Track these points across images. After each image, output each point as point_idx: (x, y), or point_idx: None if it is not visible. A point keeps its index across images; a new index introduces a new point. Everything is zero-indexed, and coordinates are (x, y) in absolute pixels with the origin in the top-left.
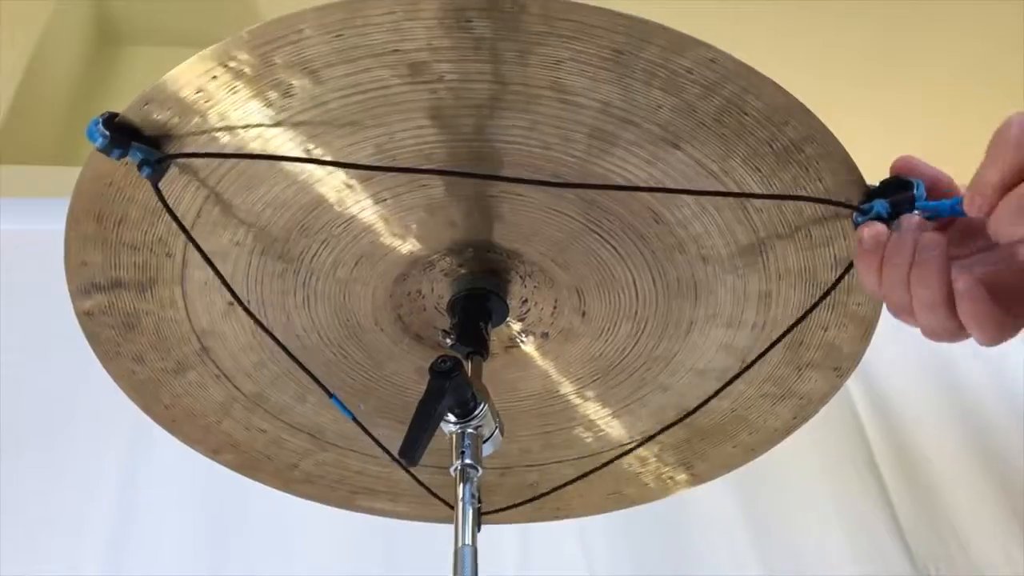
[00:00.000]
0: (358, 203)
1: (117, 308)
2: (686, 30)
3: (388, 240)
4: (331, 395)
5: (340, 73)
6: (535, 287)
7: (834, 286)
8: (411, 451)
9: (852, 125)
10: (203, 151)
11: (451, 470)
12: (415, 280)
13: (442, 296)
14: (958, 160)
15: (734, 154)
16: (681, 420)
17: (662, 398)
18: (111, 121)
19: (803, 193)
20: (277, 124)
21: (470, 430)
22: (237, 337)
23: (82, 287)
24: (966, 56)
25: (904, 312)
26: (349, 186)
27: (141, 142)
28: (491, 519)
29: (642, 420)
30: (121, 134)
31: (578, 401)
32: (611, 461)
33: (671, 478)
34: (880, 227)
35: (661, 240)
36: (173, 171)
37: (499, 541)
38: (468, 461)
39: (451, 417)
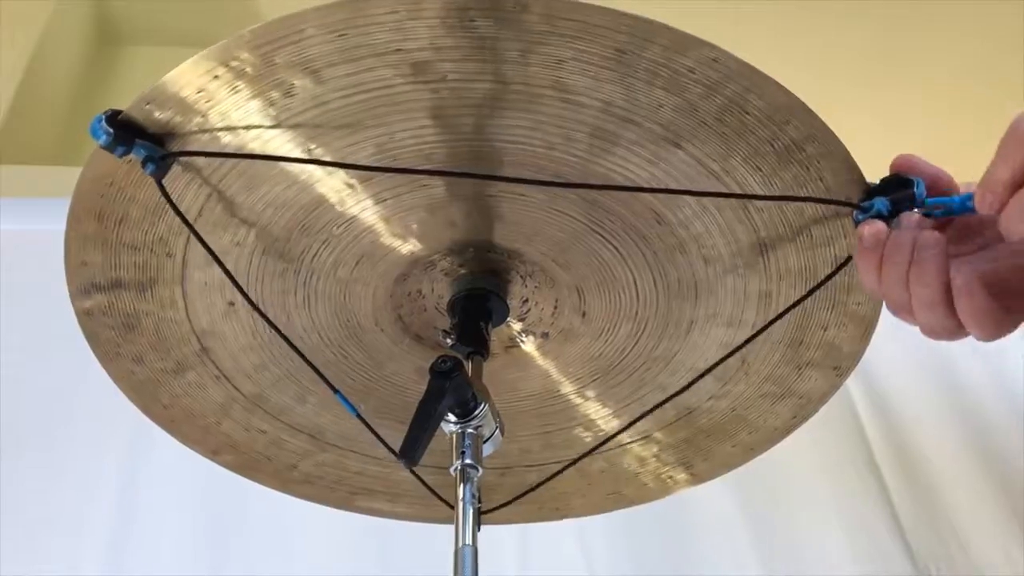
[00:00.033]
0: (359, 203)
1: (117, 308)
2: (686, 30)
3: (389, 240)
4: (336, 391)
5: (342, 73)
6: (535, 287)
7: (827, 279)
8: (411, 451)
9: (852, 124)
10: (205, 150)
11: (451, 470)
12: (415, 280)
13: (442, 296)
14: (958, 159)
15: (735, 153)
16: (667, 401)
17: (661, 398)
18: (114, 118)
19: (804, 192)
20: (278, 124)
21: (470, 430)
22: (237, 338)
23: (82, 287)
24: (966, 56)
25: (903, 310)
26: (350, 186)
27: (144, 139)
28: (488, 518)
29: (643, 420)
30: (125, 131)
31: (578, 401)
32: (597, 447)
33: (670, 478)
34: (880, 225)
35: (662, 240)
36: (175, 170)
37: (499, 541)
38: (468, 461)
39: (451, 417)
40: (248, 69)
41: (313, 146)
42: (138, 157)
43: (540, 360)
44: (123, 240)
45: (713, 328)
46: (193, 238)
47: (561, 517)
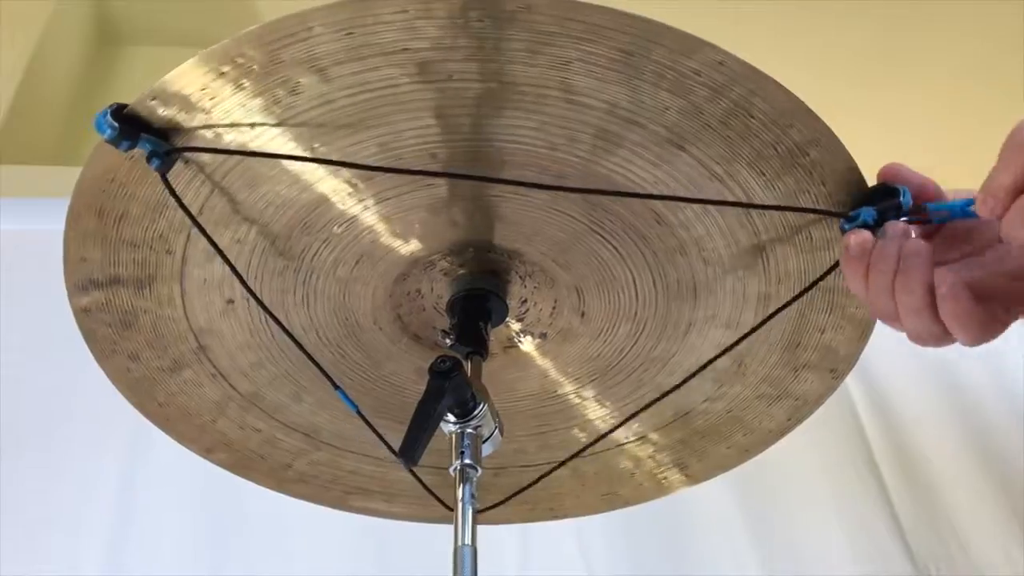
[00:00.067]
0: (361, 202)
1: (115, 305)
2: (685, 30)
3: (389, 239)
4: (337, 387)
5: (348, 71)
6: (535, 287)
7: (814, 284)
8: (411, 451)
9: (852, 125)
10: (210, 147)
11: (451, 470)
12: (415, 280)
13: (441, 296)
14: (958, 159)
15: (739, 157)
16: (661, 398)
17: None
18: (120, 112)
19: (805, 196)
20: (283, 122)
21: (469, 430)
22: (235, 336)
23: (80, 283)
24: (966, 56)
25: (889, 317)
26: (352, 185)
27: (150, 134)
28: (481, 518)
29: (639, 421)
30: (130, 126)
31: (576, 401)
32: (589, 445)
33: (665, 478)
34: (865, 234)
35: (663, 241)
36: (178, 166)
37: (499, 541)
38: (467, 461)
39: (451, 417)
40: (254, 66)
41: (317, 144)
42: (143, 151)
43: (538, 360)
44: (123, 237)
45: (711, 330)
46: (193, 236)
47: (555, 517)
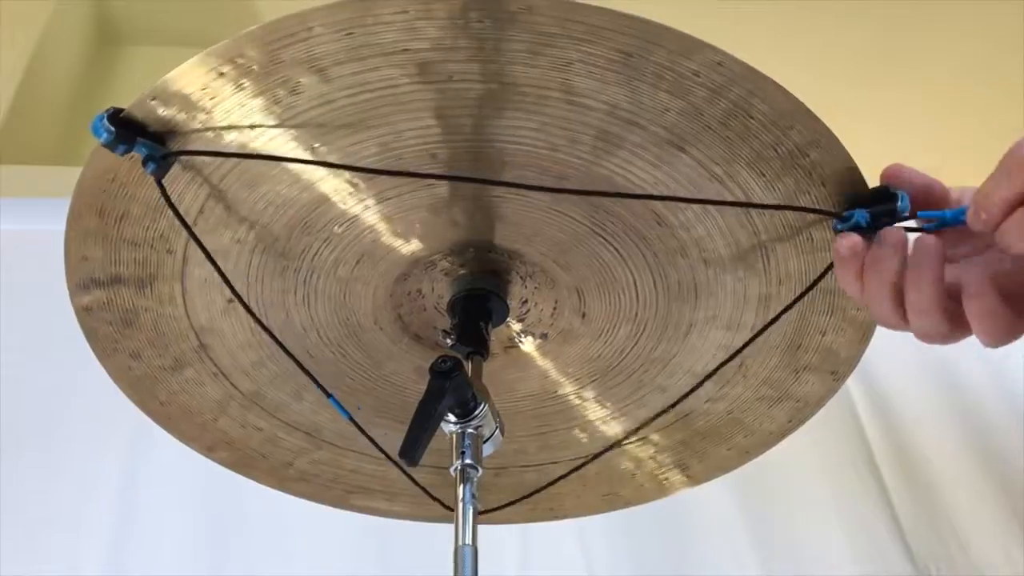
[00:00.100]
0: (362, 201)
1: (116, 304)
2: (685, 30)
3: (390, 239)
4: (329, 395)
5: (348, 71)
6: (535, 288)
7: (811, 287)
8: (411, 451)
9: (852, 125)
10: (208, 148)
11: (451, 470)
12: (416, 280)
13: (442, 296)
14: (958, 159)
15: (739, 158)
16: (670, 408)
17: (660, 399)
18: (116, 116)
19: (805, 198)
20: (283, 122)
21: (470, 430)
22: (236, 335)
23: (81, 282)
24: (966, 56)
25: (886, 321)
26: (353, 184)
27: (146, 138)
28: (483, 519)
29: (639, 422)
30: (126, 130)
31: (576, 402)
32: (602, 453)
33: (666, 479)
34: (855, 238)
35: (663, 242)
36: (176, 167)
37: (499, 541)
38: (468, 461)
39: (451, 417)
40: (254, 66)
41: (317, 144)
42: (139, 155)
43: (539, 361)
44: (124, 236)
45: (712, 331)
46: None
47: (555, 518)
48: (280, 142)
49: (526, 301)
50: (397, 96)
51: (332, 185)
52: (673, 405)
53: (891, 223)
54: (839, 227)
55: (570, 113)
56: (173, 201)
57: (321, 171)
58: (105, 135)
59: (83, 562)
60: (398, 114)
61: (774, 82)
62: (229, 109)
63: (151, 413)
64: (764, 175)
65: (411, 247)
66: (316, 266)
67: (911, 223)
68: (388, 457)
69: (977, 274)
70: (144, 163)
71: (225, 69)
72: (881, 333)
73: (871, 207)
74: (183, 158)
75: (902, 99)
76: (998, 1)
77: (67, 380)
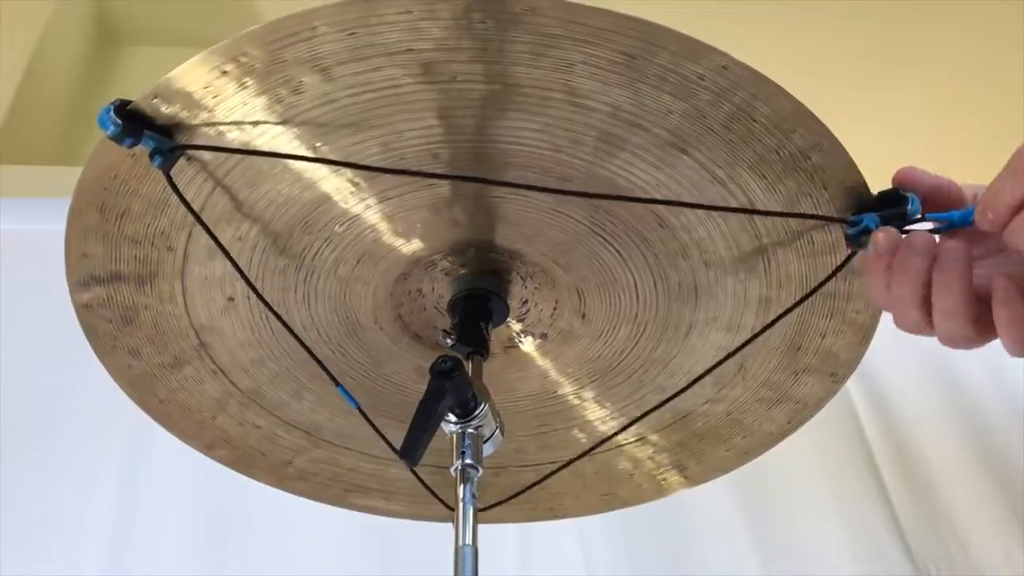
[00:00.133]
0: (363, 201)
1: (116, 301)
2: (685, 31)
3: (391, 238)
4: (338, 384)
5: (351, 71)
6: (536, 288)
7: (821, 284)
8: (412, 451)
9: (852, 126)
10: (212, 144)
11: (451, 470)
12: (416, 279)
13: (442, 296)
14: (958, 159)
15: (741, 161)
16: (664, 403)
17: (660, 400)
18: (123, 109)
19: (806, 201)
20: (285, 121)
21: (470, 430)
22: (235, 333)
23: (82, 280)
24: (966, 57)
25: (911, 326)
26: (354, 184)
27: (153, 131)
28: (480, 517)
29: (638, 422)
30: (133, 122)
31: (576, 402)
32: (593, 448)
33: (664, 480)
34: (895, 233)
35: (664, 244)
36: (180, 164)
37: (499, 541)
38: (468, 461)
39: (452, 417)
40: (257, 65)
41: (319, 144)
42: (146, 149)
43: (539, 361)
44: (124, 233)
45: (712, 332)
46: (195, 233)
47: (555, 517)
48: (282, 141)
49: (526, 301)
50: (400, 96)
51: (333, 184)
52: (665, 402)
53: (900, 226)
54: (850, 231)
55: (572, 114)
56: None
57: (322, 170)
58: (112, 128)
59: (83, 562)
60: (400, 114)
61: (778, 86)
62: (231, 107)
63: (150, 411)
64: (766, 177)
65: (412, 247)
66: (317, 265)
67: (919, 225)
68: (394, 449)
69: (1003, 280)
70: (151, 156)
71: (228, 67)
72: (882, 332)
73: (880, 210)
74: (187, 154)
75: (902, 100)
76: (998, 1)
77: (67, 380)
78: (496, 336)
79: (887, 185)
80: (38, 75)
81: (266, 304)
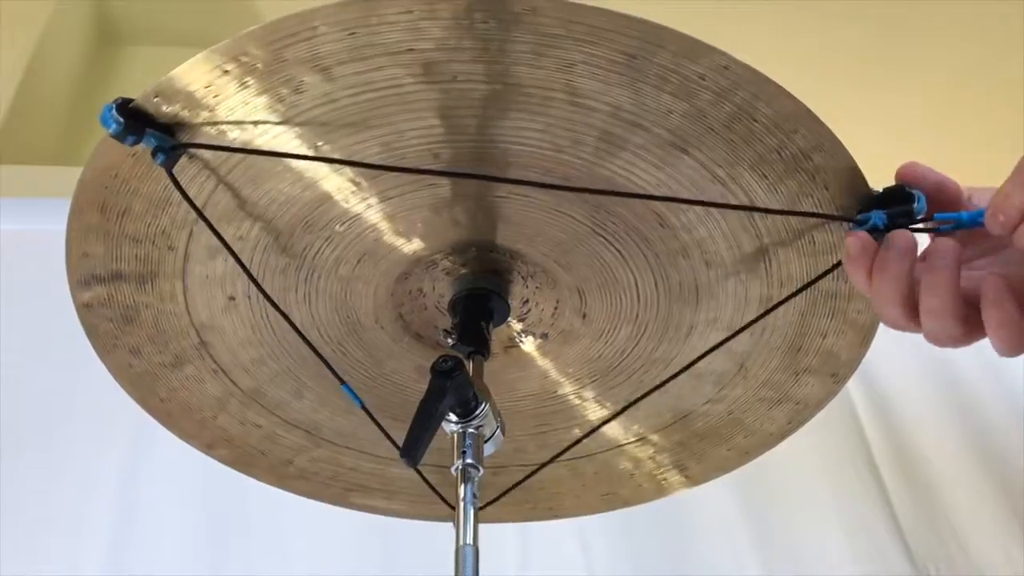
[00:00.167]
0: (364, 200)
1: (116, 300)
2: (685, 30)
3: (392, 238)
4: (343, 382)
5: (352, 71)
6: (537, 288)
7: (816, 280)
8: (412, 450)
9: (852, 127)
10: (215, 143)
11: (452, 469)
12: (417, 279)
13: (443, 295)
14: (958, 159)
15: (742, 161)
16: (650, 392)
17: (659, 400)
18: (125, 107)
19: (807, 201)
20: (286, 120)
21: (471, 430)
22: (236, 332)
23: (82, 279)
24: (966, 57)
25: (895, 323)
26: (355, 183)
27: (155, 129)
28: (479, 517)
29: (639, 422)
30: (135, 120)
31: (576, 402)
32: (582, 439)
33: (665, 480)
34: (864, 236)
35: (665, 244)
36: (181, 162)
37: (499, 541)
38: (469, 461)
39: (452, 417)
40: (258, 65)
41: (321, 143)
42: (148, 147)
43: (539, 360)
44: (125, 232)
45: (712, 332)
46: (196, 232)
47: (555, 517)
48: (283, 140)
49: (527, 301)
50: (401, 96)
51: (334, 183)
52: (654, 389)
53: (908, 224)
54: (857, 231)
55: (573, 114)
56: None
57: (324, 169)
58: (114, 126)
59: (83, 562)
60: (401, 114)
61: (779, 86)
62: (232, 107)
63: (151, 410)
64: (767, 177)
65: (413, 246)
66: (318, 264)
67: (926, 224)
68: (397, 447)
69: (994, 281)
70: (153, 154)
71: (229, 67)
72: (881, 334)
73: (888, 208)
74: (189, 152)
75: (902, 101)
76: (998, 2)
77: (67, 380)
78: (497, 336)
79: (887, 186)
80: (38, 75)
81: (270, 301)
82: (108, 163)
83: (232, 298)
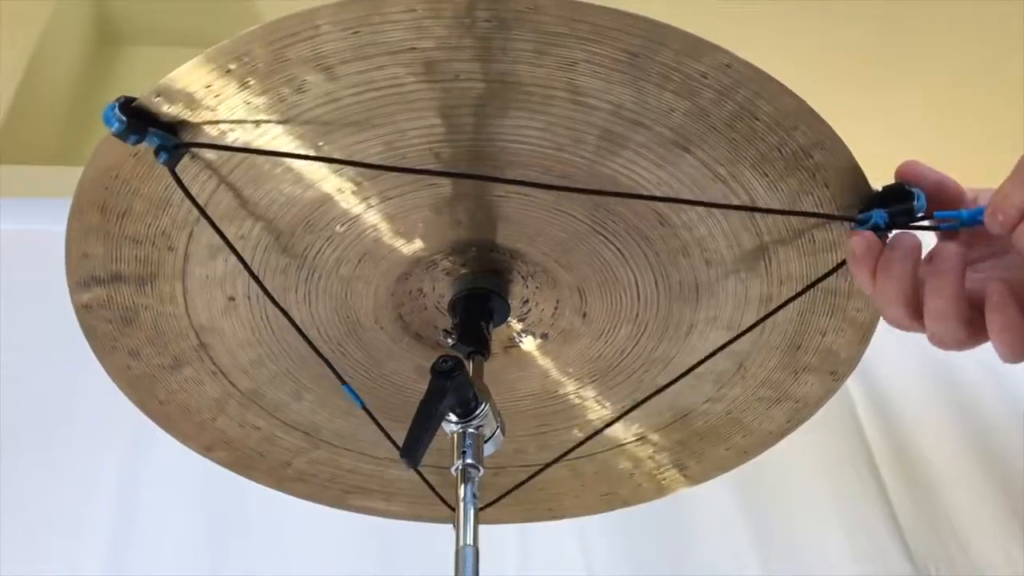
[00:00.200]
0: (364, 200)
1: (116, 302)
2: (687, 29)
3: (392, 238)
4: (344, 383)
5: (354, 70)
6: (537, 287)
7: (817, 282)
8: (412, 451)
9: (852, 126)
10: (217, 143)
11: (452, 470)
12: (417, 279)
13: (443, 295)
14: (958, 160)
15: (743, 159)
16: (657, 393)
17: (659, 400)
18: (127, 106)
19: (808, 199)
20: (288, 120)
21: (471, 430)
22: (236, 333)
23: (82, 280)
24: (967, 58)
25: (898, 324)
26: (356, 183)
27: (157, 128)
28: (479, 518)
29: (638, 421)
30: (138, 119)
31: (576, 402)
32: (584, 441)
33: (664, 479)
34: (870, 236)
35: (665, 242)
36: (182, 162)
37: (499, 541)
38: (469, 461)
39: (452, 417)
40: (260, 64)
41: (322, 143)
42: (151, 146)
43: (539, 360)
44: (125, 233)
45: (713, 331)
46: (196, 233)
47: (554, 518)
48: (284, 140)
49: (527, 301)
50: (402, 95)
51: (335, 184)
52: (659, 391)
53: (908, 222)
54: (858, 229)
55: (575, 113)
56: (180, 195)
57: (324, 170)
58: (116, 124)
59: (83, 562)
60: (403, 113)
61: (781, 84)
62: (234, 107)
63: (149, 412)
64: (768, 176)
65: (413, 246)
66: (318, 264)
67: (927, 223)
68: (398, 448)
69: (998, 286)
70: (156, 153)
71: (231, 67)
72: (882, 333)
73: (888, 207)
74: (191, 152)
75: (902, 100)
76: (998, 2)
77: (67, 380)
78: (497, 336)
79: (887, 184)
80: (38, 75)
81: (272, 300)
82: (109, 163)
83: (232, 299)
